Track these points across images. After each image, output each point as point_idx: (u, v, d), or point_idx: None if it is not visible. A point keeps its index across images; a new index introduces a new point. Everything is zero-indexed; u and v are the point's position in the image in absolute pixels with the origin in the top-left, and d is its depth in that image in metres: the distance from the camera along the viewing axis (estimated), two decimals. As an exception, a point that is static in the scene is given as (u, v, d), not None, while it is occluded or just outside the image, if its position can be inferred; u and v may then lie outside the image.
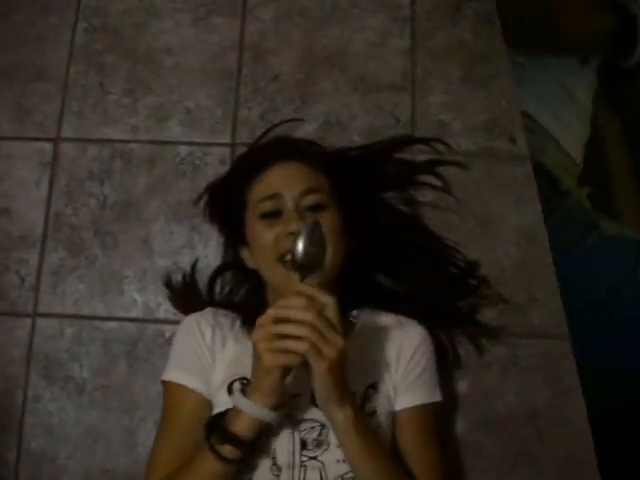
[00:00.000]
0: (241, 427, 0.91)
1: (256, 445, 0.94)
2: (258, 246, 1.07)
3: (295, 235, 0.95)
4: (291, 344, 0.86)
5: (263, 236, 1.06)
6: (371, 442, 0.94)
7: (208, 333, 1.08)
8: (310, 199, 1.06)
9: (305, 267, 0.93)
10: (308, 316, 0.86)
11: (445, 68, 1.42)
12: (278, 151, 1.13)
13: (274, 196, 1.06)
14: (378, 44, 1.43)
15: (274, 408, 0.91)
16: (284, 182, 1.07)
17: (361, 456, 0.94)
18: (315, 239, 0.94)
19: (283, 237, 1.03)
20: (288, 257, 1.00)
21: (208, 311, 1.13)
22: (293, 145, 1.16)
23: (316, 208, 1.06)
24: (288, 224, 1.03)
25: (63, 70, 1.42)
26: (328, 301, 0.89)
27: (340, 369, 0.89)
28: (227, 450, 0.91)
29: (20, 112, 1.40)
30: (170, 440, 1.03)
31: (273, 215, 1.06)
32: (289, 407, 0.98)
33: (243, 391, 0.93)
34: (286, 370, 0.90)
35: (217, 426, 0.93)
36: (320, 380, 0.88)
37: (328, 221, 1.05)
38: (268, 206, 1.07)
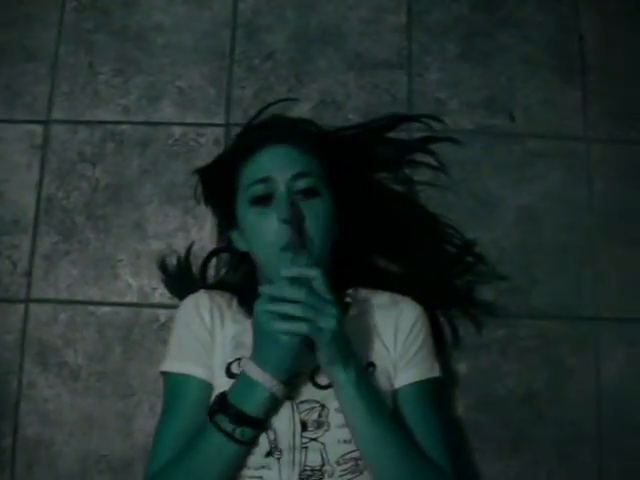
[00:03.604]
0: (255, 404, 0.92)
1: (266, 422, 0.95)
2: (254, 234, 1.05)
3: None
4: (286, 326, 0.89)
5: (258, 225, 1.04)
6: (374, 406, 0.94)
7: (207, 315, 1.07)
8: (302, 183, 1.05)
9: (294, 245, 0.97)
10: (301, 295, 0.88)
11: (442, 44, 1.40)
12: (269, 133, 1.10)
13: (266, 179, 1.05)
14: (373, 21, 1.40)
15: (283, 383, 0.93)
16: (275, 165, 1.06)
17: (364, 420, 0.94)
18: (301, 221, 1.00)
19: (279, 226, 1.01)
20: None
21: (202, 293, 1.12)
22: (284, 127, 1.13)
23: (307, 192, 1.04)
24: (280, 211, 1.01)
25: (52, 50, 1.39)
26: (314, 274, 0.90)
27: (341, 336, 0.91)
28: (241, 431, 0.92)
29: (9, 94, 1.37)
30: (174, 428, 1.01)
31: (264, 200, 1.04)
32: (290, 386, 0.98)
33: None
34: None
35: (226, 407, 0.93)
36: (325, 350, 0.91)
37: (319, 207, 1.05)
38: (260, 190, 1.05)
